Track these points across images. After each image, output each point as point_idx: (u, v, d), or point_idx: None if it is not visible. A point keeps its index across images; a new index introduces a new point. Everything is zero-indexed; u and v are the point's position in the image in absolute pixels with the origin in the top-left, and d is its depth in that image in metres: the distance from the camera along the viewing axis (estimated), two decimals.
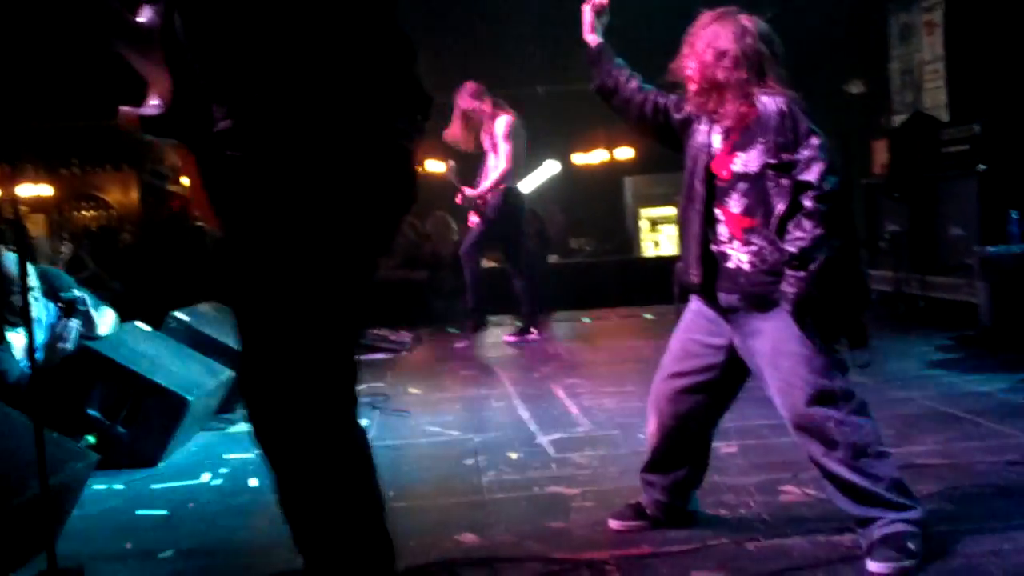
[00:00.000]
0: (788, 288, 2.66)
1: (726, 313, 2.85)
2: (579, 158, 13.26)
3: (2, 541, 2.88)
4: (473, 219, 7.56)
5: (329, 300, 1.92)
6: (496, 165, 7.24)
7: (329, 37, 1.86)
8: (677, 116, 2.95)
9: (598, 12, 3.15)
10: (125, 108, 1.99)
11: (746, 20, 2.81)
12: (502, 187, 7.25)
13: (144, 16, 1.92)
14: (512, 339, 7.59)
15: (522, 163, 7.50)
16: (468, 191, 7.29)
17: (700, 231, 2.86)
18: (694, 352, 2.95)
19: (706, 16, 2.86)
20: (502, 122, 7.21)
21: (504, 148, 7.18)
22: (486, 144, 7.31)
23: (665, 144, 3.06)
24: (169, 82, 1.93)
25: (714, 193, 2.83)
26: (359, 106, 1.88)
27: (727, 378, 2.92)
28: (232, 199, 1.91)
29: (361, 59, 1.89)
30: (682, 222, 2.97)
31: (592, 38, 3.15)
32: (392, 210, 2.00)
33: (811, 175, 2.64)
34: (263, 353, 1.92)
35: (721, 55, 2.76)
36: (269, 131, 1.85)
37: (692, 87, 2.82)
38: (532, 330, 7.54)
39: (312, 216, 1.86)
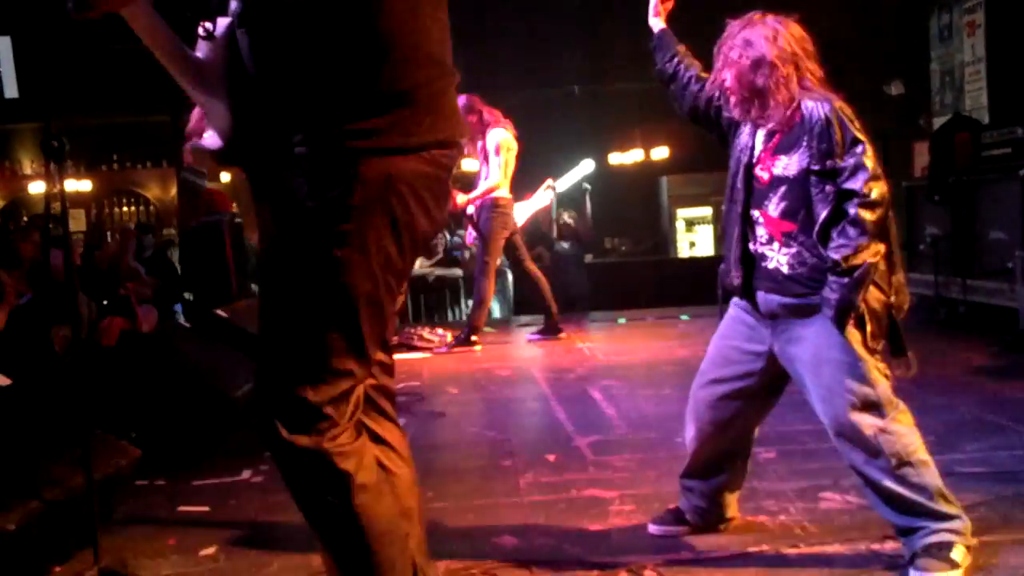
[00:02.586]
0: (831, 294, 2.65)
1: (766, 319, 2.84)
2: (615, 157, 13.26)
3: (48, 535, 2.93)
4: (471, 235, 7.61)
5: (354, 330, 1.92)
6: (486, 177, 7.25)
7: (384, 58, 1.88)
8: (726, 115, 2.94)
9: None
10: (190, 144, 2.03)
11: (776, 22, 2.78)
12: (492, 200, 7.23)
13: (202, 51, 1.95)
14: (535, 338, 7.61)
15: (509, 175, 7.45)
16: (459, 196, 7.27)
17: (740, 232, 2.86)
18: (733, 358, 2.94)
19: (735, 25, 2.83)
20: (494, 136, 7.21)
21: (495, 161, 7.18)
22: (479, 156, 7.33)
23: (714, 135, 3.07)
24: (228, 113, 1.95)
25: (754, 195, 2.83)
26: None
27: (767, 384, 2.91)
28: (283, 222, 1.92)
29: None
30: (724, 224, 2.97)
31: (656, 22, 3.20)
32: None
33: (856, 183, 2.62)
34: (272, 372, 1.94)
35: (758, 62, 2.73)
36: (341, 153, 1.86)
37: (733, 98, 2.81)
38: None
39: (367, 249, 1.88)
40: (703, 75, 3.03)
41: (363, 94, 1.86)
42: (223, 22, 1.96)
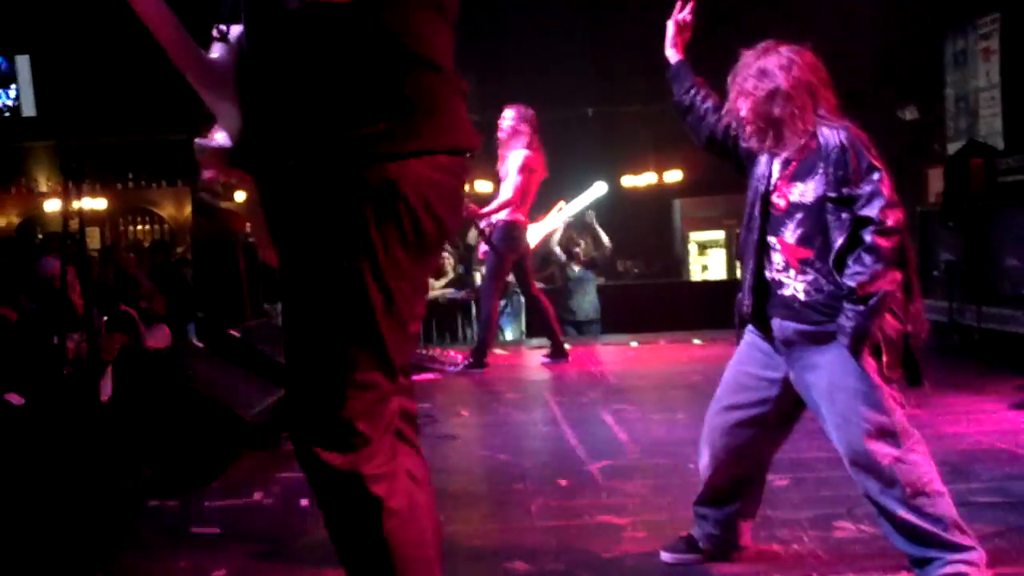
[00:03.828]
0: (846, 322, 2.64)
1: (781, 346, 2.83)
2: (628, 180, 13.27)
3: (61, 556, 2.94)
4: (483, 248, 7.60)
5: (375, 341, 1.92)
6: (502, 193, 7.23)
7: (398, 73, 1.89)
8: (744, 145, 2.94)
9: (681, 28, 3.21)
10: (199, 140, 2.03)
11: (790, 52, 2.78)
12: (508, 221, 7.19)
13: (216, 52, 1.96)
14: (548, 360, 7.60)
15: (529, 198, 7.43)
16: (472, 208, 7.24)
17: (756, 261, 2.87)
18: (749, 385, 2.93)
19: (748, 55, 2.83)
20: (519, 155, 7.18)
21: (514, 180, 7.14)
22: (501, 172, 7.32)
23: (731, 165, 3.07)
24: (238, 117, 1.96)
25: (771, 222, 2.83)
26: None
27: (782, 412, 2.90)
28: (293, 235, 1.92)
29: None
30: (741, 252, 2.97)
31: (672, 54, 3.21)
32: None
33: (872, 210, 2.63)
34: (303, 387, 1.93)
35: (773, 93, 2.74)
36: (332, 170, 1.86)
37: (749, 128, 2.82)
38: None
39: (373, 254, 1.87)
40: (720, 106, 3.03)
41: (366, 100, 1.86)
42: (238, 27, 1.98)
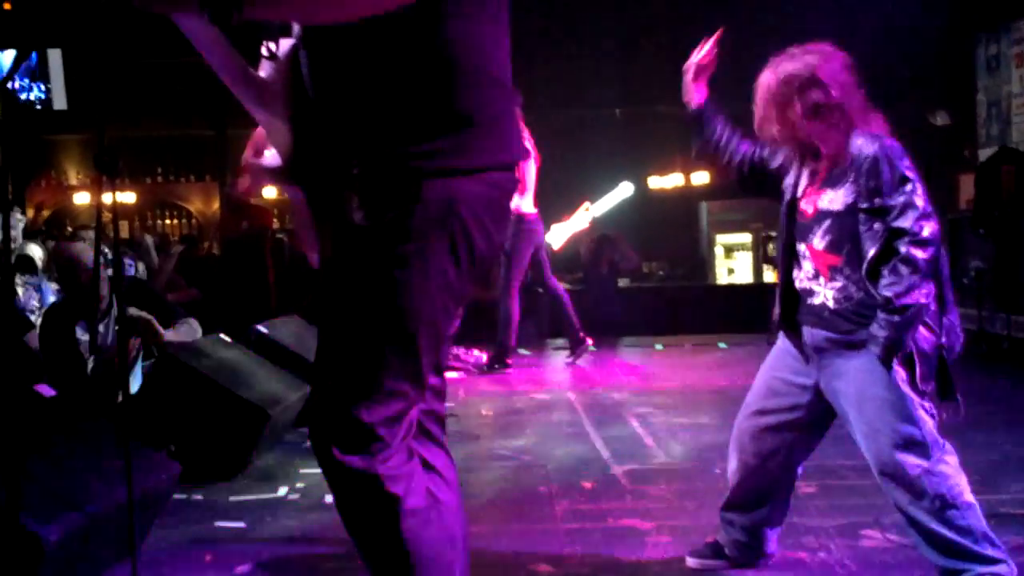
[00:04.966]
0: (879, 332, 2.62)
1: (813, 353, 2.82)
2: (655, 181, 13.22)
3: (88, 548, 2.96)
4: None
5: (411, 352, 1.92)
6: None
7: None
8: (774, 166, 2.93)
9: (701, 70, 2.99)
10: (249, 162, 2.05)
11: (815, 58, 2.75)
12: (518, 215, 7.12)
13: (264, 71, 1.96)
14: (571, 360, 7.59)
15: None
16: None
17: (784, 267, 2.85)
18: (780, 390, 2.92)
19: (772, 68, 2.78)
20: (533, 164, 7.14)
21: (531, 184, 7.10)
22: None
23: (769, 195, 2.99)
24: (289, 133, 1.96)
25: (798, 229, 2.82)
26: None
27: (813, 418, 2.89)
28: (345, 241, 1.92)
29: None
30: (777, 260, 2.96)
31: (694, 97, 3.01)
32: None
33: (906, 221, 2.60)
34: (331, 387, 1.94)
35: (805, 103, 2.71)
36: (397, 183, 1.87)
37: (784, 142, 2.80)
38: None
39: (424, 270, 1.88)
40: (750, 140, 2.98)
41: (426, 115, 1.86)
42: (286, 43, 1.98)
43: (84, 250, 5.11)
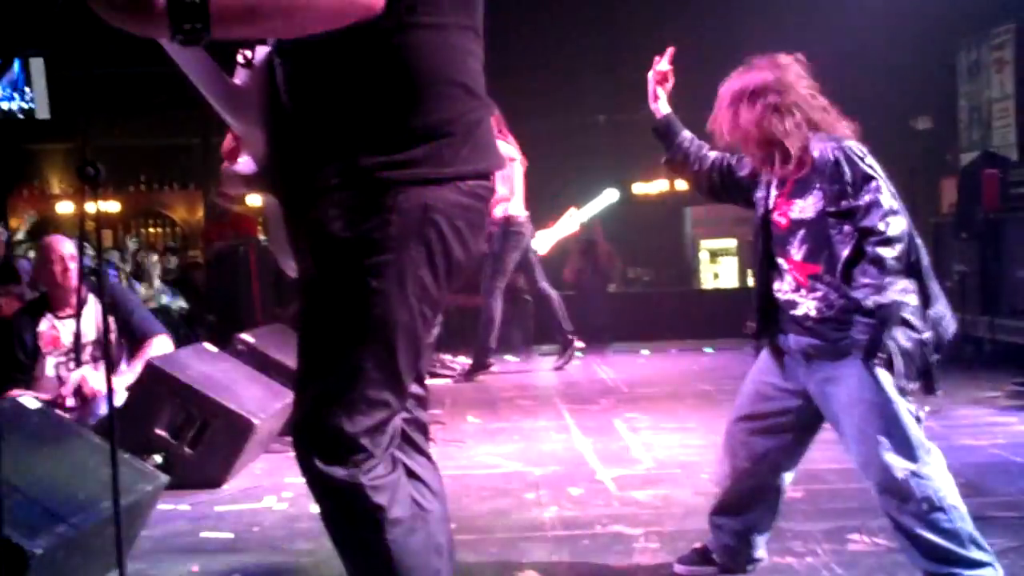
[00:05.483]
0: (859, 336, 2.63)
1: (801, 359, 2.82)
2: (639, 187, 13.27)
3: (73, 559, 2.93)
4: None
5: (391, 361, 1.92)
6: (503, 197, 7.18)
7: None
8: (742, 174, 2.96)
9: (660, 81, 3.13)
10: (227, 167, 2.04)
11: (774, 70, 2.79)
12: (505, 218, 7.13)
13: (240, 78, 1.96)
14: (561, 364, 7.59)
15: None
16: None
17: (761, 281, 2.88)
18: (769, 395, 2.93)
19: (733, 77, 2.84)
20: (519, 168, 7.14)
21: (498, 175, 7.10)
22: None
23: (741, 204, 3.06)
24: (263, 141, 1.96)
25: (775, 242, 2.83)
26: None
27: (802, 423, 2.90)
28: (322, 251, 1.92)
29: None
30: (754, 273, 2.99)
31: (656, 107, 3.14)
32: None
33: (872, 220, 2.62)
34: (312, 398, 1.93)
35: (766, 110, 2.75)
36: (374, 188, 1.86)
37: (750, 149, 2.83)
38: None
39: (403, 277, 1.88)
40: (712, 153, 3.05)
41: (398, 125, 1.86)
42: (262, 50, 1.98)
43: (60, 240, 5.05)
